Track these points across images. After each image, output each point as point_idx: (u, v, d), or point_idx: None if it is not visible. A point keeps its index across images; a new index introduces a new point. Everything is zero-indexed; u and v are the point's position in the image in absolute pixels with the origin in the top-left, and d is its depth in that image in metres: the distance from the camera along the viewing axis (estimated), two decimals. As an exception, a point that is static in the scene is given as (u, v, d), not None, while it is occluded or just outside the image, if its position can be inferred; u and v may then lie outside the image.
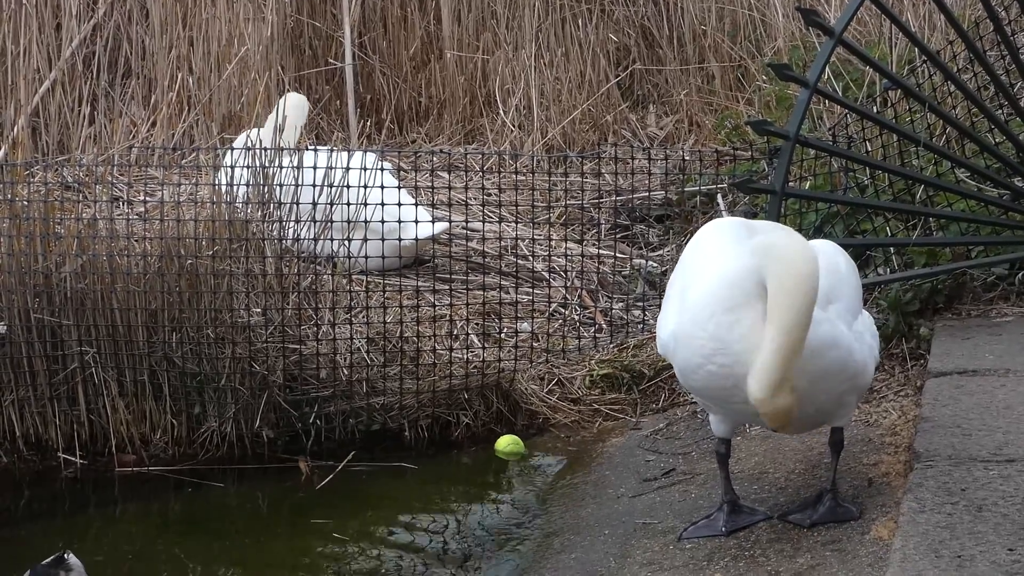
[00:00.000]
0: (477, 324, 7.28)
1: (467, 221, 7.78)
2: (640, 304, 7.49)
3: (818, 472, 5.47)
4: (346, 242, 7.14)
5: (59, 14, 9.84)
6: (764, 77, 9.41)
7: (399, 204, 7.30)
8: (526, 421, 6.99)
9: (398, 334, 7.04)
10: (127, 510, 6.66)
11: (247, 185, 7.05)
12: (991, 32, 6.85)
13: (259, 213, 7.04)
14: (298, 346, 6.89)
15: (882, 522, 4.90)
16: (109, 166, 7.86)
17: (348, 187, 7.07)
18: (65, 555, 4.77)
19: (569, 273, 7.74)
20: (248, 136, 7.35)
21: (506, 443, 6.77)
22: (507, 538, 5.97)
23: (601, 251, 7.79)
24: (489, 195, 8.06)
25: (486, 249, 7.92)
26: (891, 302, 6.40)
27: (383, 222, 7.28)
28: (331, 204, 7.10)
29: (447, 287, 7.46)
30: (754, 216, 7.86)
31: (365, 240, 7.19)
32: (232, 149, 7.27)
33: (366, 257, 7.24)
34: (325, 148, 7.57)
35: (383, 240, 7.32)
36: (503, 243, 8.04)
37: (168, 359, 6.85)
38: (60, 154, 9.09)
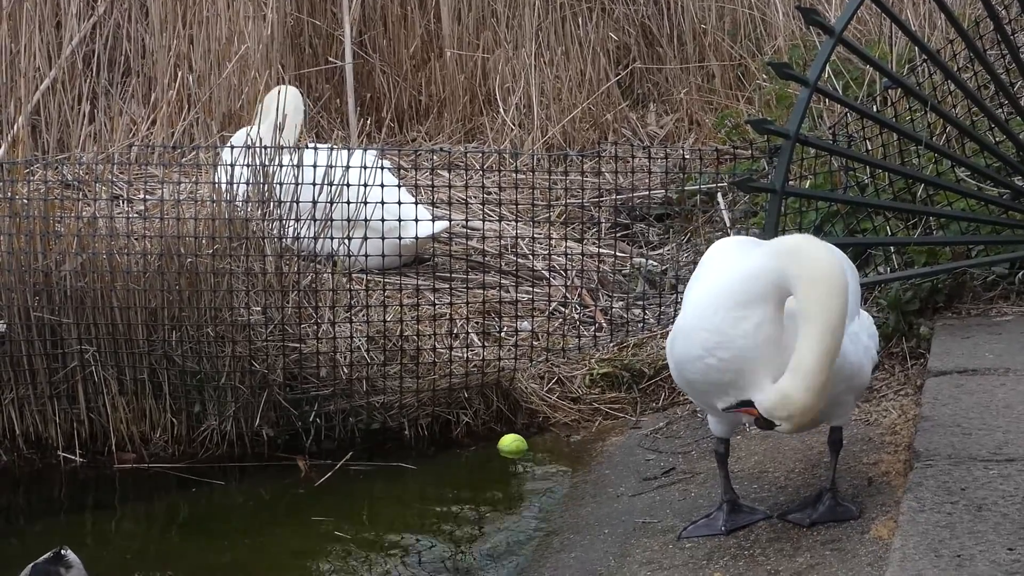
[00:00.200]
0: (477, 323, 7.28)
1: (467, 220, 7.78)
2: (640, 303, 7.49)
3: (818, 471, 5.47)
4: (346, 241, 7.14)
5: (59, 12, 9.83)
6: (764, 76, 9.40)
7: (399, 203, 7.29)
8: (526, 420, 6.99)
9: (398, 333, 7.04)
10: (127, 508, 6.66)
11: (247, 184, 7.05)
12: (991, 31, 6.84)
13: (259, 212, 7.03)
14: (298, 345, 6.89)
15: (882, 521, 4.90)
16: (109, 164, 7.86)
17: (348, 186, 7.06)
18: (62, 551, 4.77)
19: (569, 272, 7.74)
20: (248, 134, 7.34)
21: (510, 442, 6.77)
22: (506, 537, 5.97)
23: (601, 250, 7.79)
24: (489, 194, 8.05)
25: (486, 248, 7.92)
26: (891, 301, 6.40)
27: (383, 221, 7.28)
28: (331, 203, 7.10)
29: (447, 286, 7.46)
30: (754, 215, 7.87)
31: (365, 239, 7.19)
32: (232, 147, 7.26)
33: (366, 256, 7.23)
34: (325, 146, 7.57)
35: (383, 239, 7.32)
36: (503, 242, 8.04)
37: (168, 357, 6.85)
38: (60, 152, 9.09)
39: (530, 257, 7.87)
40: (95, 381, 6.86)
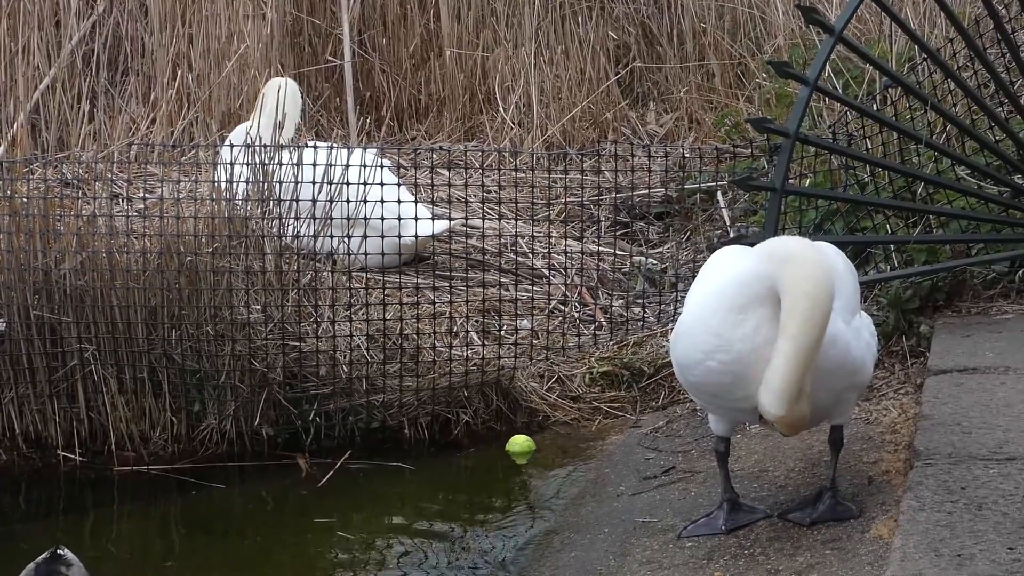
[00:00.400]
0: (477, 321, 7.27)
1: (467, 218, 7.77)
2: (640, 301, 7.49)
3: (818, 470, 5.47)
4: (346, 239, 7.13)
5: (58, 11, 9.83)
6: (764, 75, 9.40)
7: (399, 201, 7.29)
8: (526, 419, 6.98)
9: (398, 331, 7.03)
10: (126, 508, 6.66)
11: (247, 182, 7.05)
12: (991, 30, 6.84)
13: (259, 210, 7.03)
14: (298, 343, 6.89)
15: (882, 520, 4.89)
16: (109, 163, 7.86)
17: (348, 184, 7.06)
18: (59, 551, 4.76)
19: (569, 270, 7.73)
20: (248, 133, 7.34)
21: (520, 443, 6.74)
22: (506, 536, 5.96)
23: (601, 248, 7.79)
24: (489, 192, 8.05)
25: (486, 246, 7.92)
26: (891, 299, 6.40)
27: (382, 219, 7.27)
28: (331, 201, 7.10)
29: (447, 284, 7.46)
30: (754, 213, 7.87)
31: (365, 237, 7.18)
32: (232, 145, 7.26)
33: (366, 254, 7.23)
34: (325, 145, 7.57)
35: (382, 238, 7.31)
36: (503, 240, 8.03)
37: (168, 356, 6.85)
38: (60, 151, 9.10)
39: (530, 256, 7.87)
40: (95, 380, 6.86)
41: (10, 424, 6.88)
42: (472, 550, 5.88)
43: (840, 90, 7.67)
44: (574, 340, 7.26)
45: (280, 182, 7.07)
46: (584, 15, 10.24)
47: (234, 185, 6.98)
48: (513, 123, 9.71)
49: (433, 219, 7.73)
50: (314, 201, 7.09)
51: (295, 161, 7.06)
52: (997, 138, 6.81)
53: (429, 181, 8.36)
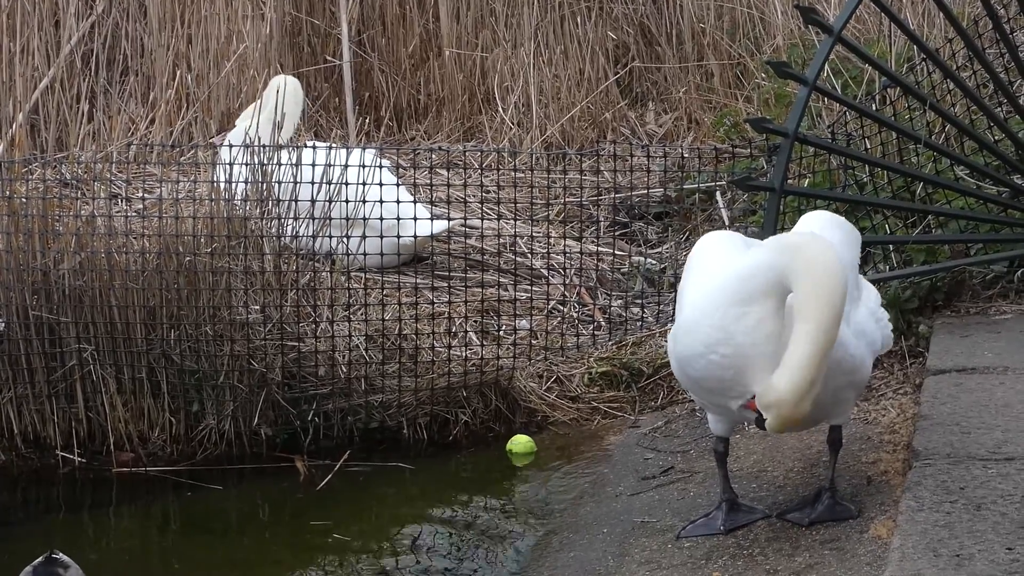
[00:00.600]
0: (476, 322, 7.27)
1: (466, 219, 7.77)
2: (639, 302, 7.49)
3: (817, 470, 5.47)
4: (345, 240, 7.13)
5: (57, 11, 9.83)
6: (763, 75, 9.40)
7: (398, 201, 7.29)
8: (525, 419, 6.98)
9: (397, 332, 7.03)
10: (125, 509, 6.66)
11: (246, 182, 7.05)
12: (990, 30, 6.84)
13: (258, 210, 7.03)
14: (296, 343, 6.88)
15: (881, 521, 4.89)
16: (107, 163, 7.85)
17: (347, 184, 7.06)
18: (54, 554, 4.76)
19: (568, 270, 7.73)
20: (247, 133, 7.34)
21: (522, 444, 6.74)
22: (505, 537, 5.96)
23: (600, 248, 7.79)
24: (488, 192, 8.05)
25: (485, 247, 7.91)
26: (890, 299, 6.39)
27: (381, 219, 7.27)
28: (330, 201, 7.09)
29: (446, 285, 7.46)
30: (753, 213, 7.86)
31: (364, 237, 7.18)
32: (231, 145, 7.25)
33: (365, 254, 7.23)
34: (324, 145, 7.57)
35: (381, 238, 7.31)
36: (502, 241, 8.03)
37: (166, 356, 6.84)
38: (58, 151, 9.10)
39: (529, 256, 7.87)
40: (93, 380, 6.86)
41: (9, 424, 6.88)
42: (471, 550, 5.87)
43: (839, 90, 7.67)
44: (573, 340, 7.26)
45: (279, 182, 7.07)
46: (583, 15, 10.24)
47: (233, 185, 6.98)
48: (512, 123, 9.71)
49: (432, 219, 7.72)
50: (313, 201, 7.08)
51: (294, 161, 7.06)
52: (996, 138, 6.81)
53: (428, 181, 8.36)
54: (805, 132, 6.44)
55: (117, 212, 7.18)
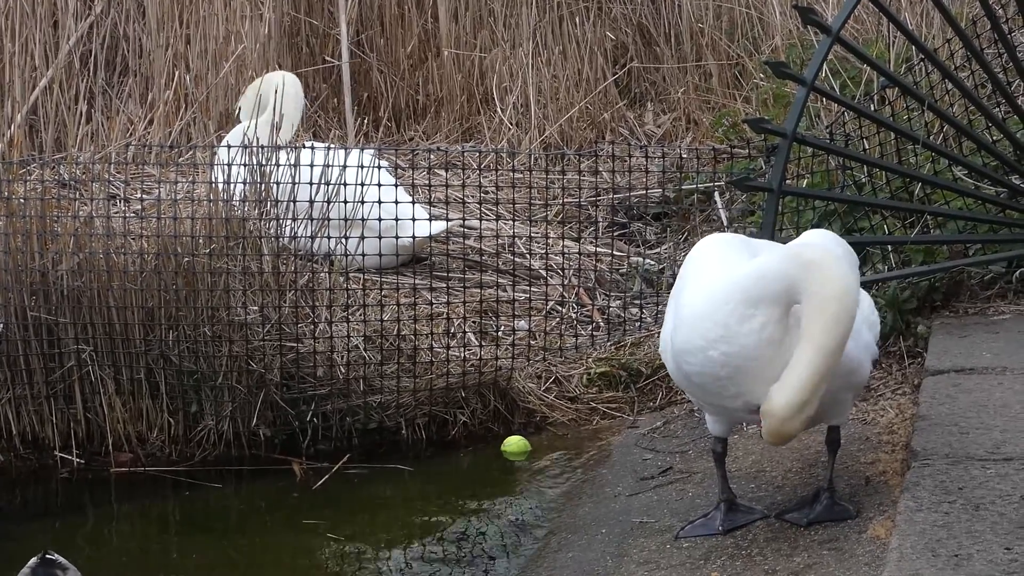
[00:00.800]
0: (474, 322, 7.27)
1: (464, 219, 7.77)
2: (637, 302, 7.49)
3: (815, 471, 5.47)
4: (344, 240, 7.13)
5: (56, 12, 9.83)
6: (761, 75, 9.39)
7: (396, 202, 7.29)
8: (523, 420, 6.98)
9: (395, 332, 7.03)
10: (123, 510, 6.66)
11: (244, 183, 7.05)
12: (988, 30, 6.84)
13: (256, 211, 7.03)
14: (295, 344, 6.88)
15: (879, 521, 4.89)
16: (106, 164, 7.85)
17: (345, 185, 7.06)
18: (48, 555, 4.75)
19: (566, 271, 7.73)
20: (245, 133, 7.33)
21: (514, 443, 6.75)
22: (503, 537, 5.96)
23: (598, 249, 7.79)
24: (486, 193, 8.05)
25: (483, 247, 7.92)
26: (888, 300, 6.39)
27: (380, 220, 7.27)
28: (328, 202, 7.09)
29: (444, 285, 7.46)
30: (751, 214, 7.86)
31: (362, 238, 7.18)
32: (228, 147, 7.25)
33: (363, 255, 7.23)
34: (322, 146, 7.57)
35: (380, 238, 7.31)
36: (500, 241, 8.03)
37: (165, 357, 6.84)
38: (57, 152, 9.09)
39: (527, 256, 7.86)
40: (92, 381, 6.86)
41: (7, 425, 6.88)
42: (470, 551, 5.87)
43: (837, 90, 7.67)
44: (571, 341, 7.26)
45: (277, 183, 7.07)
46: (582, 15, 10.24)
47: (231, 186, 6.98)
48: (511, 123, 9.71)
49: (431, 220, 7.72)
50: (312, 202, 7.08)
51: (292, 162, 7.06)
52: (994, 138, 6.81)
53: (427, 182, 8.36)
54: (803, 132, 6.43)
55: (115, 213, 7.18)
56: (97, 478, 6.80)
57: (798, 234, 6.34)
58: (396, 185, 7.59)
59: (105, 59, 9.95)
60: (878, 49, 8.18)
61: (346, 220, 7.09)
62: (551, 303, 7.52)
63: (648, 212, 8.54)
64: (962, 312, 6.47)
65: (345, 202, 7.06)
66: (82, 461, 6.86)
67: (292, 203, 7.05)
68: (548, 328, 7.30)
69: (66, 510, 6.67)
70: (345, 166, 7.10)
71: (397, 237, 7.43)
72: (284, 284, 6.93)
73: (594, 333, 7.31)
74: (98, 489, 6.76)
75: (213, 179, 7.20)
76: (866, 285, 6.40)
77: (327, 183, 7.08)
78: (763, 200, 6.58)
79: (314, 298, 7.05)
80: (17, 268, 6.83)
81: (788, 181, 6.54)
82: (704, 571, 4.92)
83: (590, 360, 7.11)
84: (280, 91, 7.74)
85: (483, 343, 7.17)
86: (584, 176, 8.66)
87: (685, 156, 8.49)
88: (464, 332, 7.20)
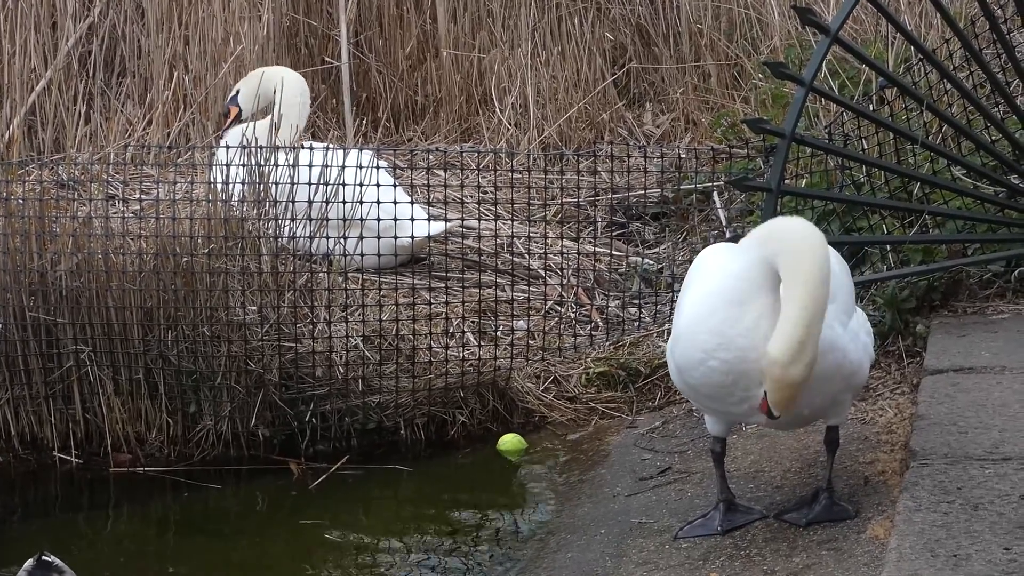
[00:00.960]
0: (473, 322, 7.27)
1: (463, 219, 7.77)
2: (636, 302, 7.49)
3: (814, 471, 5.47)
4: (342, 240, 7.13)
5: (55, 13, 9.82)
6: (760, 75, 9.39)
7: (395, 202, 7.29)
8: (522, 419, 6.98)
9: (394, 332, 7.03)
10: (122, 510, 6.66)
11: (243, 183, 7.04)
12: (987, 30, 6.84)
13: (255, 211, 7.02)
14: (294, 344, 6.88)
15: (878, 521, 4.89)
16: (105, 164, 7.85)
17: (344, 185, 7.06)
18: (44, 556, 4.75)
19: (565, 271, 7.73)
20: (244, 134, 7.33)
21: (509, 441, 6.75)
22: (502, 538, 5.96)
23: (597, 249, 7.79)
24: (485, 193, 8.05)
25: (482, 247, 7.91)
26: (887, 299, 6.40)
27: (379, 220, 7.27)
28: (327, 202, 7.09)
29: (443, 285, 7.46)
30: (750, 214, 7.86)
31: (361, 238, 7.18)
32: (227, 147, 7.25)
33: (362, 255, 7.23)
34: (321, 146, 7.56)
35: (379, 238, 7.31)
36: (499, 241, 8.03)
37: (164, 357, 6.84)
38: (55, 152, 9.08)
39: (526, 256, 7.86)
40: (91, 381, 6.86)
41: (6, 425, 6.88)
42: (468, 551, 5.87)
43: (836, 91, 7.67)
44: (570, 341, 7.26)
45: (276, 183, 7.06)
46: (580, 16, 10.23)
47: (230, 186, 6.98)
48: (509, 124, 9.71)
49: (430, 220, 7.72)
50: (310, 202, 7.08)
51: (291, 162, 7.06)
52: (993, 138, 6.81)
53: (426, 182, 8.35)
54: (802, 132, 6.44)
55: (114, 213, 7.18)
56: (96, 478, 6.80)
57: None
58: (395, 185, 7.58)
59: (104, 60, 9.94)
60: (877, 49, 8.18)
61: (345, 220, 7.09)
62: (550, 303, 7.52)
63: (647, 212, 8.54)
64: (961, 312, 6.47)
65: (344, 202, 7.06)
66: (81, 461, 6.86)
67: (291, 203, 7.05)
68: (547, 328, 7.30)
69: (64, 510, 6.67)
70: (344, 166, 7.10)
71: (396, 237, 7.42)
72: (283, 284, 6.93)
73: (593, 333, 7.31)
74: (97, 489, 6.76)
75: (212, 179, 7.19)
76: (865, 285, 6.43)
77: (326, 183, 7.08)
78: (762, 200, 6.58)
79: (313, 298, 7.05)
80: (16, 268, 6.83)
81: (787, 181, 6.55)
82: (703, 571, 4.92)
83: (589, 360, 7.11)
84: (279, 90, 7.73)
85: (482, 343, 7.17)
86: (583, 176, 8.66)
87: (684, 156, 8.48)
88: (463, 332, 7.20)
